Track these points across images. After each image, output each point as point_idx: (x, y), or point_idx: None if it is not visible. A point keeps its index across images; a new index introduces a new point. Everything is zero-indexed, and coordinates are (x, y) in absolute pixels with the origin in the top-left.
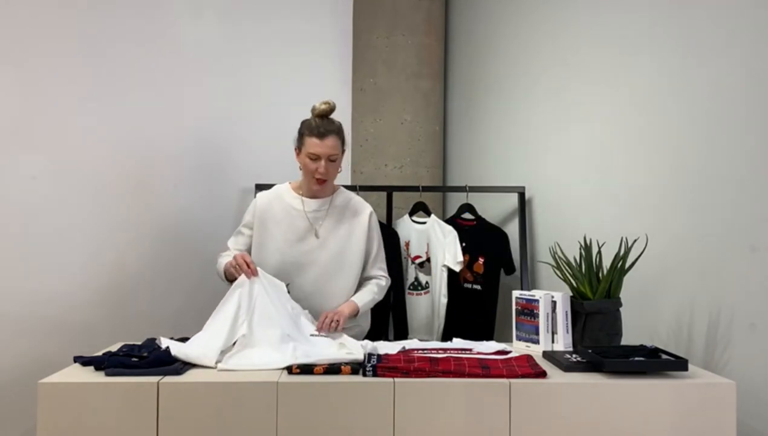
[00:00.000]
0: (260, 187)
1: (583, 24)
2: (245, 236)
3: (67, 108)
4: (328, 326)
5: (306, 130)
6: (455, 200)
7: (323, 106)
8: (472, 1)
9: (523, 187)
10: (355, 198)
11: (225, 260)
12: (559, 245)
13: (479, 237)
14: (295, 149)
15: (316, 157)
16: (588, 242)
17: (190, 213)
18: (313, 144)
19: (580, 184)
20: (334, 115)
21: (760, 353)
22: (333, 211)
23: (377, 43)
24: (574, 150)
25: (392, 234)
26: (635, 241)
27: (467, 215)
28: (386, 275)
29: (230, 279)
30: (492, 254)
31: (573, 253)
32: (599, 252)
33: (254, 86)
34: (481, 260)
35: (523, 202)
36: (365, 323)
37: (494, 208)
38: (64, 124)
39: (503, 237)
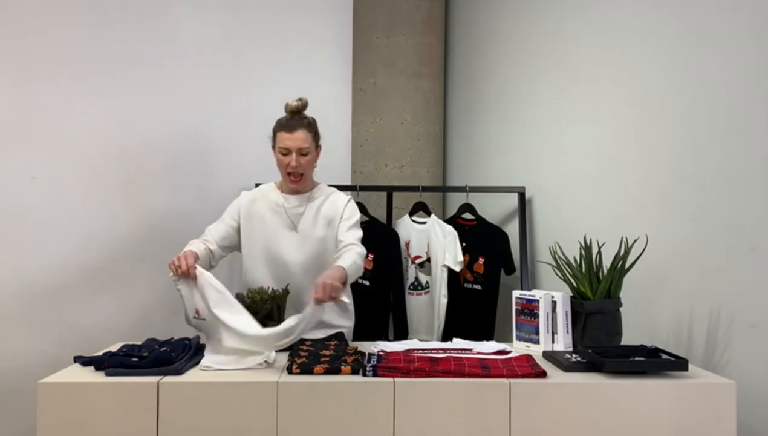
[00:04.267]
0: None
1: (584, 23)
2: (227, 224)
3: (65, 107)
4: (328, 296)
5: (277, 126)
6: (455, 200)
7: (295, 103)
8: (472, 1)
9: (523, 187)
10: (336, 193)
11: (190, 247)
12: (559, 245)
13: (479, 237)
14: (272, 148)
15: (287, 152)
16: (588, 242)
17: (190, 212)
18: (282, 138)
19: (580, 185)
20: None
21: (760, 353)
22: (312, 206)
23: (377, 43)
24: (574, 150)
25: (392, 234)
26: (635, 241)
27: (467, 215)
28: (361, 246)
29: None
30: (492, 254)
31: (573, 253)
32: (599, 252)
33: (254, 86)
34: (481, 260)
35: (523, 202)
36: (347, 322)
37: (494, 208)
38: (63, 123)
39: (503, 237)
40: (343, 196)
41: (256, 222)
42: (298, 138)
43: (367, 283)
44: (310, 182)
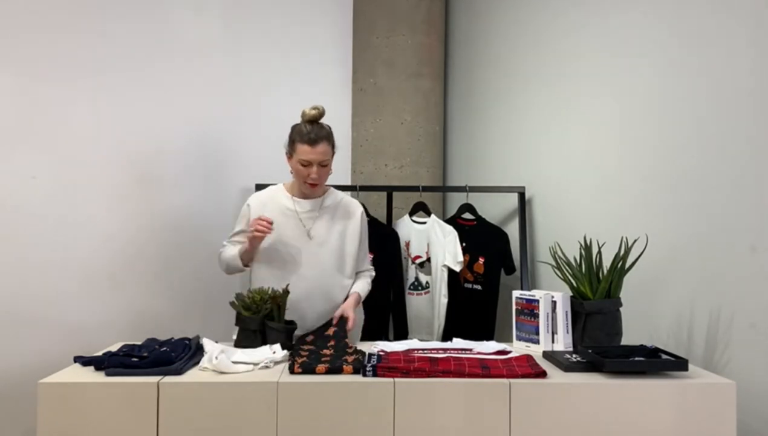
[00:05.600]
0: (260, 187)
1: (584, 24)
2: (243, 238)
3: (66, 107)
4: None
5: (297, 136)
6: (455, 200)
7: (313, 112)
8: (472, 1)
9: (523, 187)
10: (346, 197)
11: (232, 249)
12: (559, 245)
13: (479, 237)
14: (287, 154)
15: (308, 164)
16: (588, 242)
17: (190, 213)
18: (304, 151)
19: (580, 185)
20: (327, 117)
21: (760, 353)
22: (325, 212)
23: (377, 43)
24: (574, 150)
25: (392, 234)
26: (635, 241)
27: (467, 215)
28: (372, 266)
29: (247, 262)
30: (492, 254)
31: (573, 253)
32: (599, 252)
33: (255, 86)
34: (481, 260)
35: (523, 203)
36: (360, 315)
37: (494, 209)
38: (64, 123)
39: (503, 237)
40: (357, 208)
41: None
42: (320, 151)
43: None
44: (323, 187)
